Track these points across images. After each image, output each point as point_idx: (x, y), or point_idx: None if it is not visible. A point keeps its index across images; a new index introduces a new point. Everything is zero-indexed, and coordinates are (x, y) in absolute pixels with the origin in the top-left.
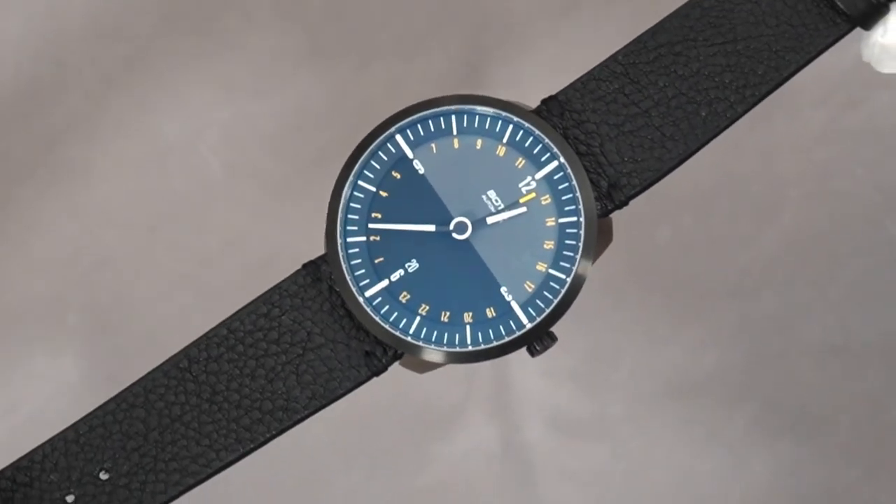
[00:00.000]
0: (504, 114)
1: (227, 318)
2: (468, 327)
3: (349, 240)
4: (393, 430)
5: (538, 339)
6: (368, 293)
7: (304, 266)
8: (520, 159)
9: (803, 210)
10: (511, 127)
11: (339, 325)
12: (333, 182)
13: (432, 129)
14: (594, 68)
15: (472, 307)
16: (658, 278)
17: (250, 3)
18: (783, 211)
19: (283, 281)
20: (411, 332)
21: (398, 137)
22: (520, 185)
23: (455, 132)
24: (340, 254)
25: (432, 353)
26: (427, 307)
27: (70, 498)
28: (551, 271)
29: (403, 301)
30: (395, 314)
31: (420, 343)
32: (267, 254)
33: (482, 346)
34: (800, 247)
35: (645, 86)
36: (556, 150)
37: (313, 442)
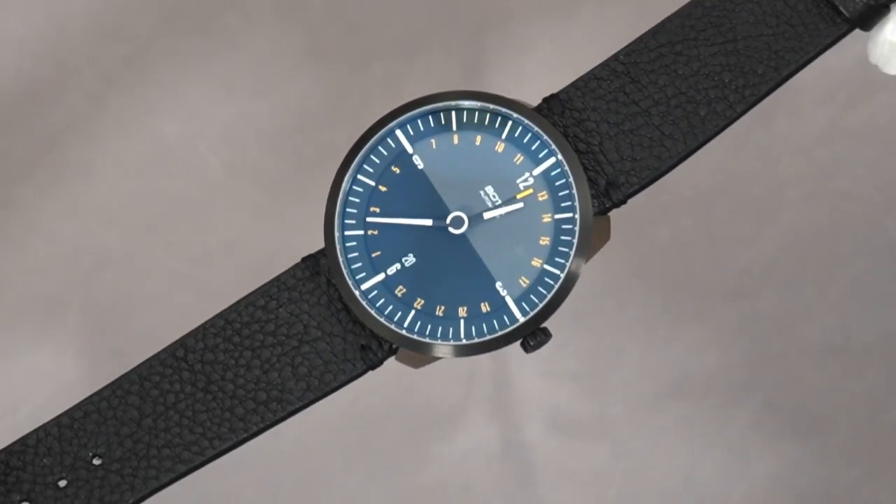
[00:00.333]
0: (504, 110)
1: (225, 310)
2: (462, 321)
3: (347, 233)
4: (393, 430)
5: (531, 334)
6: (364, 286)
7: (303, 260)
8: (518, 155)
9: (803, 210)
10: (510, 123)
11: (336, 318)
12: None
13: (432, 125)
14: (595, 67)
15: (467, 301)
16: (658, 278)
17: (250, 3)
18: (783, 211)
19: (282, 274)
20: (406, 325)
21: (398, 132)
22: (517, 181)
23: (455, 128)
24: (338, 247)
25: (426, 347)
26: (422, 301)
27: (62, 483)
28: (546, 267)
29: (399, 295)
30: (391, 308)
31: (414, 336)
32: (266, 253)
33: (476, 340)
34: (800, 247)
35: (645, 85)
36: (554, 146)
37: (313, 442)
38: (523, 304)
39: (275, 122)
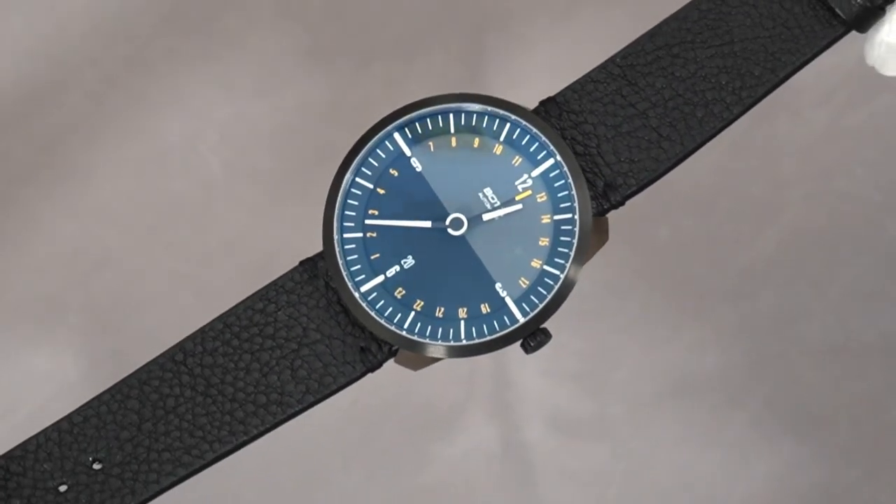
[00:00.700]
0: (502, 112)
1: (224, 313)
2: (462, 322)
3: (346, 236)
4: (393, 430)
5: (532, 335)
6: (364, 288)
7: (302, 263)
8: (517, 157)
9: (803, 210)
10: (508, 125)
11: (335, 320)
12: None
13: (430, 127)
14: (592, 70)
15: (467, 302)
16: (658, 278)
17: (250, 3)
18: (783, 211)
19: (280, 277)
20: (406, 327)
21: (396, 135)
22: (516, 183)
23: (453, 130)
24: (337, 249)
25: (426, 348)
26: (422, 303)
27: (63, 487)
28: (546, 268)
29: (398, 297)
30: (391, 309)
31: (415, 338)
32: (266, 254)
33: (476, 341)
34: (800, 247)
35: (642, 87)
36: (552, 147)
37: (313, 442)
38: (523, 304)
39: (275, 122)
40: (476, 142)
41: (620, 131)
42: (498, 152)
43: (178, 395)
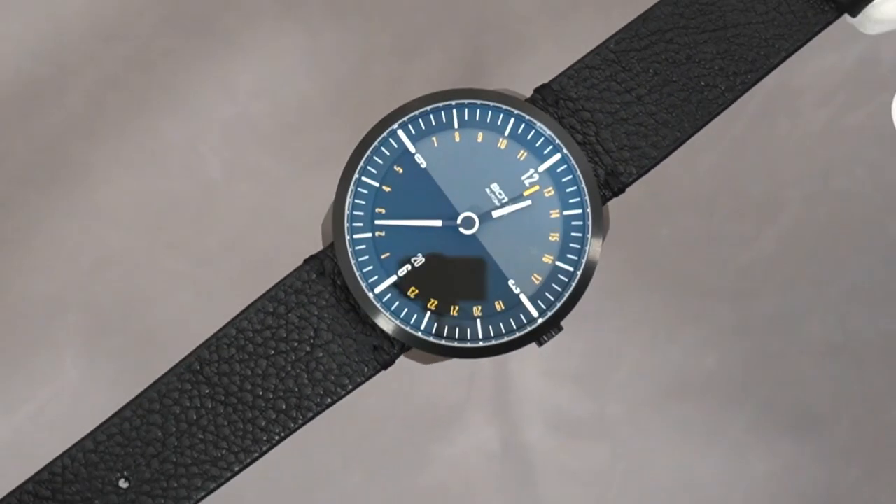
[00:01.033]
0: (504, 107)
1: (235, 318)
2: (479, 321)
3: (356, 236)
4: (393, 430)
5: (547, 331)
6: (378, 289)
7: (306, 261)
8: (521, 151)
9: (803, 210)
10: (512, 120)
11: (346, 319)
12: (336, 180)
13: (433, 123)
14: (586, 56)
15: (481, 301)
16: (658, 278)
17: (250, 3)
18: (783, 211)
19: (287, 277)
20: (422, 327)
21: (399, 132)
22: (523, 178)
23: (456, 125)
24: (349, 250)
25: (444, 349)
26: (436, 302)
27: None
28: (558, 263)
29: (412, 296)
30: (406, 311)
31: (431, 339)
32: (267, 254)
33: (493, 342)
34: (800, 247)
35: (637, 73)
36: (558, 141)
37: (313, 442)
38: (538, 301)
39: (275, 122)
40: (480, 136)
41: (618, 118)
42: (502, 147)
43: (200, 407)
